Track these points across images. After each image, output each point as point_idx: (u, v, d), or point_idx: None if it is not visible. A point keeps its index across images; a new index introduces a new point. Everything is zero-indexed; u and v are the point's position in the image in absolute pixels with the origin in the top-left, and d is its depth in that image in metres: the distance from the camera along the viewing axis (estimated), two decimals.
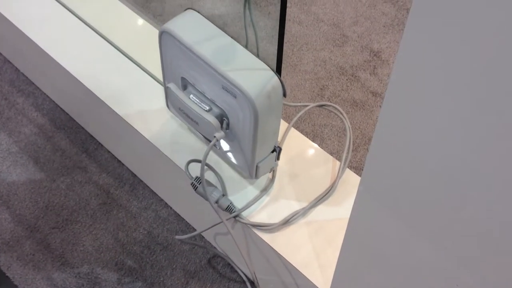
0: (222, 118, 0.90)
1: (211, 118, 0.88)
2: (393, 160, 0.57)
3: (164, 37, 0.90)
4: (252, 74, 0.84)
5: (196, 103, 0.91)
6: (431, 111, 0.49)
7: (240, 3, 0.96)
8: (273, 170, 1.02)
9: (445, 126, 0.49)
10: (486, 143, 0.47)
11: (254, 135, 0.88)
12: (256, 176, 0.99)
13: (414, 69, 0.47)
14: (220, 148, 1.00)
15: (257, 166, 0.96)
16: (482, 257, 0.56)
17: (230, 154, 0.99)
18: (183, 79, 0.93)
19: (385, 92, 0.50)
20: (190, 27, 0.89)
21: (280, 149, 0.98)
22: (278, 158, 1.00)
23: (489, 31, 0.40)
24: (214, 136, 0.89)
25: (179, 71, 0.93)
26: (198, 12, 0.91)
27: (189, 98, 0.92)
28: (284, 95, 0.87)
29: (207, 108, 0.90)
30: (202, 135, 1.02)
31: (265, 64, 0.86)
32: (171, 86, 0.94)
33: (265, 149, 0.95)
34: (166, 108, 1.14)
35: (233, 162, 1.01)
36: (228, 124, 0.90)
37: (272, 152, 0.97)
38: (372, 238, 0.70)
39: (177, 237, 1.04)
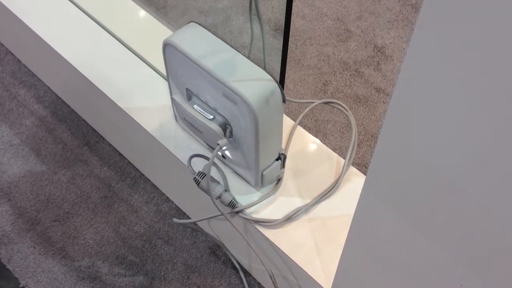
0: (225, 126, 0.92)
1: (214, 126, 0.91)
2: (399, 159, 0.57)
3: (168, 49, 0.93)
4: (250, 80, 0.87)
5: (200, 113, 0.93)
6: (439, 110, 0.48)
7: None
8: (277, 178, 1.03)
9: (453, 126, 0.48)
10: (495, 144, 0.46)
11: (256, 140, 0.89)
12: (262, 185, 1.00)
13: (423, 68, 0.47)
14: (227, 157, 1.01)
15: (262, 174, 0.97)
16: (487, 256, 0.56)
17: (235, 163, 1.01)
18: (187, 90, 0.96)
19: (392, 90, 0.50)
20: (192, 39, 0.91)
21: (285, 157, 1.00)
22: (283, 166, 1.01)
23: (500, 29, 0.40)
24: (218, 144, 0.90)
25: (184, 82, 0.95)
26: (201, 25, 0.92)
27: (193, 108, 0.94)
28: (284, 101, 0.88)
29: (211, 117, 0.92)
30: (208, 144, 1.04)
31: (263, 71, 0.88)
32: (176, 97, 0.97)
33: (268, 156, 0.96)
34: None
35: (239, 171, 1.02)
36: (231, 132, 0.92)
37: (277, 160, 0.98)
38: (376, 236, 0.70)
39: (175, 220, 1.04)
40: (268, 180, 1.00)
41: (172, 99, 0.98)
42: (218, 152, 1.02)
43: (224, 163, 1.05)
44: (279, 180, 1.02)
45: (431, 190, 0.56)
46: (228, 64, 0.88)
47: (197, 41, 0.91)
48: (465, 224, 0.55)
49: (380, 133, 0.56)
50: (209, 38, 0.92)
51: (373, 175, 0.62)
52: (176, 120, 1.09)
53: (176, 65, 0.94)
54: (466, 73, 0.44)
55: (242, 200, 1.00)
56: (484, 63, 0.42)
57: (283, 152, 0.99)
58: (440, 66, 0.45)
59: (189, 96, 0.97)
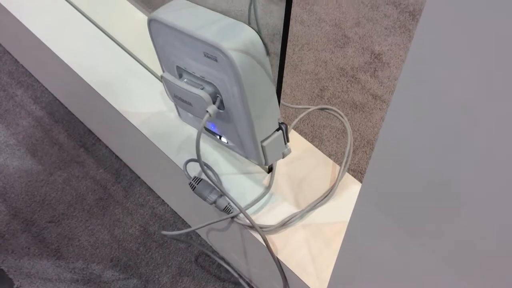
0: (215, 95, 0.89)
1: (202, 93, 0.88)
2: (396, 167, 0.57)
3: (152, 25, 0.90)
4: (228, 32, 0.82)
5: (188, 84, 0.90)
6: (438, 119, 0.49)
7: (245, 0, 0.95)
8: (284, 156, 0.97)
9: (451, 135, 0.49)
10: (494, 154, 0.46)
11: (244, 101, 0.85)
12: (266, 162, 0.95)
13: (421, 75, 0.47)
14: (226, 140, 0.98)
15: (263, 147, 0.92)
16: (484, 266, 0.56)
17: (233, 141, 0.97)
18: (178, 68, 0.93)
19: (388, 97, 0.50)
20: (177, 11, 0.88)
21: (287, 127, 0.93)
22: (287, 139, 0.95)
23: (502, 38, 0.40)
24: (207, 111, 0.88)
25: (173, 59, 0.93)
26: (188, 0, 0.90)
27: (182, 81, 0.91)
28: (267, 53, 0.84)
29: (200, 88, 0.89)
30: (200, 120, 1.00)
31: (245, 24, 0.83)
32: (165, 75, 0.93)
33: (265, 123, 0.91)
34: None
35: (239, 150, 0.98)
36: (222, 102, 0.89)
37: (278, 130, 0.93)
38: (371, 244, 0.70)
39: (163, 232, 1.02)
40: (272, 155, 0.94)
41: (161, 77, 0.95)
42: (206, 127, 1.01)
43: (225, 149, 1.01)
44: (271, 174, 1.00)
45: (427, 198, 0.56)
46: (210, 24, 0.84)
47: (181, 12, 0.88)
48: (462, 233, 0.55)
49: (377, 141, 0.56)
50: (194, 8, 0.88)
51: (369, 183, 0.62)
52: (180, 116, 1.06)
53: (162, 40, 0.91)
54: (464, 82, 0.44)
55: (234, 200, 1.00)
56: (483, 72, 0.43)
57: (283, 122, 0.93)
58: (439, 74, 0.46)
59: (180, 74, 0.95)
